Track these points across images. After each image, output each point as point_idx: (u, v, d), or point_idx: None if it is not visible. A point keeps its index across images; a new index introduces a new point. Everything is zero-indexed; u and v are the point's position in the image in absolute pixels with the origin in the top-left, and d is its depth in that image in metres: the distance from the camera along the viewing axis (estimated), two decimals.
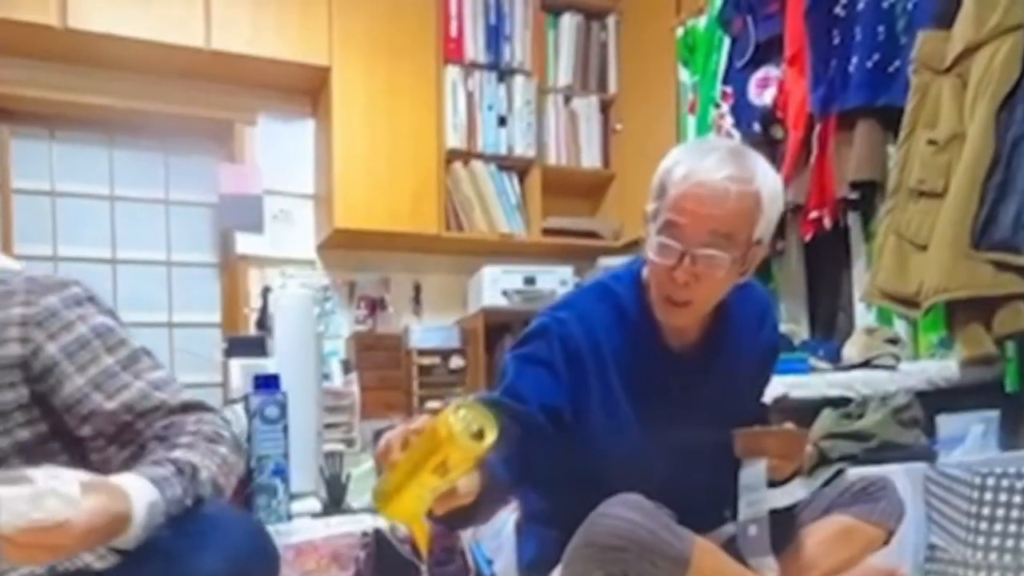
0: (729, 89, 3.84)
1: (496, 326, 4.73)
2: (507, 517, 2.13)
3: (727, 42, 3.93)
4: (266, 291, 4.43)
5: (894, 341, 3.07)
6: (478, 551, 2.52)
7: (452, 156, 4.75)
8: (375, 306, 4.83)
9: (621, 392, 1.70)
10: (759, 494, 1.69)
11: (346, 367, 4.48)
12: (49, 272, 1.48)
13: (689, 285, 1.58)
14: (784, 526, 1.79)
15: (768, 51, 3.69)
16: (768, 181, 1.58)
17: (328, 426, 3.34)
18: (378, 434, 3.83)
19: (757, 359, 1.88)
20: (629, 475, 1.60)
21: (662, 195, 1.60)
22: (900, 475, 2.28)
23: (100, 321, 1.42)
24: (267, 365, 2.97)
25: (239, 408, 2.64)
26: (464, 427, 1.11)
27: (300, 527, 2.51)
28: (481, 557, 2.51)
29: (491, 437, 1.13)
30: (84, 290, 1.44)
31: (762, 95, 3.69)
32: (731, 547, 1.70)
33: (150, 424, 1.36)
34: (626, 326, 1.72)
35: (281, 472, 2.53)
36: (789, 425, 1.78)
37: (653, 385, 1.71)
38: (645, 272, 1.71)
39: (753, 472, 1.70)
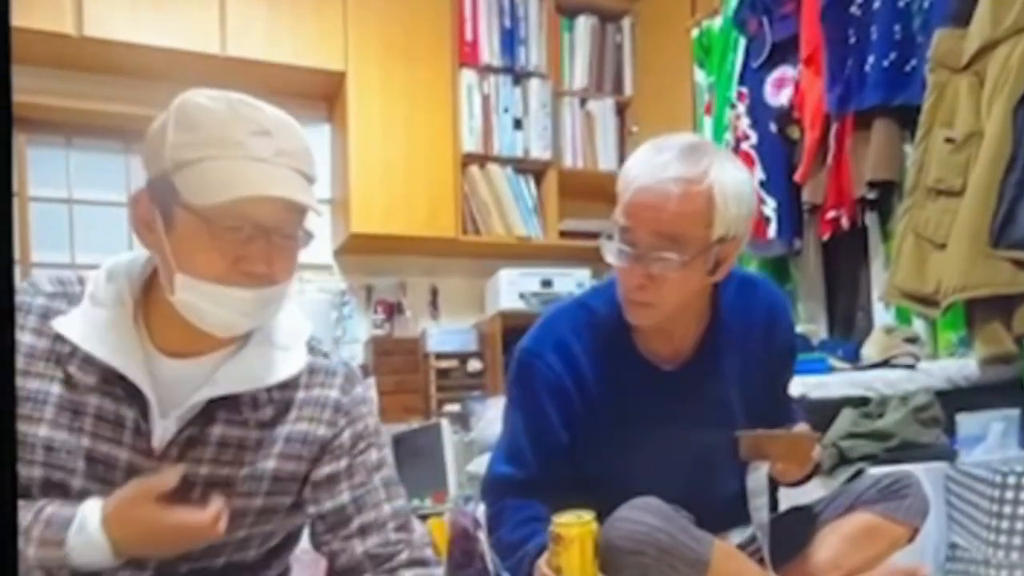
0: (745, 90, 3.83)
1: (513, 329, 4.71)
2: None
3: (743, 43, 3.91)
4: None
5: (913, 340, 3.05)
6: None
7: (468, 159, 4.75)
8: (392, 310, 4.82)
9: (611, 416, 1.71)
10: (763, 499, 1.67)
11: (364, 372, 4.49)
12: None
13: (645, 287, 1.58)
14: (805, 524, 1.78)
15: (784, 51, 3.67)
16: (725, 177, 1.55)
17: None
18: (397, 440, 3.85)
19: (769, 360, 1.83)
20: (639, 487, 1.59)
21: (620, 199, 1.61)
22: (920, 474, 2.25)
23: (375, 421, 1.51)
24: None
25: None
26: (577, 521, 1.50)
27: None
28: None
29: (588, 513, 1.52)
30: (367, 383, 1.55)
31: (778, 95, 3.68)
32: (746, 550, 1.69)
33: (365, 531, 1.41)
34: (606, 349, 1.72)
35: None
36: (802, 427, 1.75)
37: (643, 405, 1.70)
38: None
39: (755, 476, 1.67)
